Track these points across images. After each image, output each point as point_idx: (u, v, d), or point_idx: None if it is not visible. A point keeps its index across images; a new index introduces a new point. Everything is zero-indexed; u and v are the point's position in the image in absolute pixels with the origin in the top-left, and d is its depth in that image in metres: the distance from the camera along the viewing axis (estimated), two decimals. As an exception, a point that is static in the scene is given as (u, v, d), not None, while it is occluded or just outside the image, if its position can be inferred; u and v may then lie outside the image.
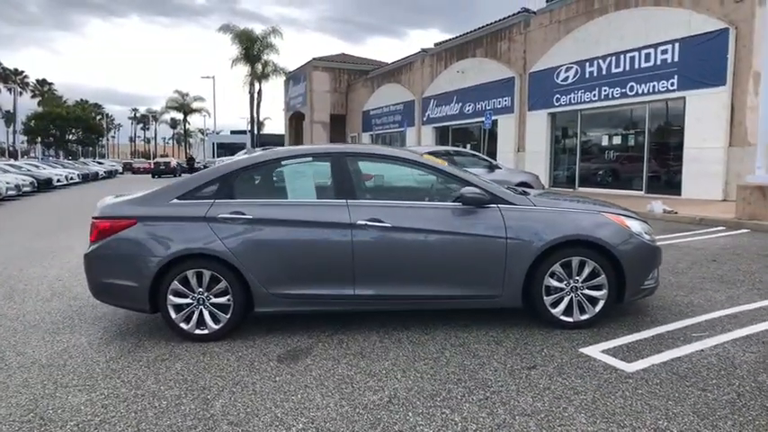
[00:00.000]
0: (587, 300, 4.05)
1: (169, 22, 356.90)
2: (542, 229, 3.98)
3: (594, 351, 3.66)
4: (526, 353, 3.65)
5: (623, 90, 15.22)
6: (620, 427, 2.68)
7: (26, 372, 3.49)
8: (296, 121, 42.24)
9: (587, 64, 16.44)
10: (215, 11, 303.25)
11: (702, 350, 3.64)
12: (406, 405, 2.95)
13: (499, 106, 20.78)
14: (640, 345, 3.75)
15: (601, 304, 4.05)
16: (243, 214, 3.93)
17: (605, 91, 15.84)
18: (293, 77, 40.41)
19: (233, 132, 56.46)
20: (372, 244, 3.94)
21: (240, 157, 4.75)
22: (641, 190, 14.91)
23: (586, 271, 4.02)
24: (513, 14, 20.41)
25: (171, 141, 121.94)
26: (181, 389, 3.20)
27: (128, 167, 54.87)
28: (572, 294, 4.05)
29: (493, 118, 21.00)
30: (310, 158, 4.38)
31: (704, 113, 12.87)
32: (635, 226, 4.16)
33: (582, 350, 3.68)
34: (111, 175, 42.39)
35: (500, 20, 21.21)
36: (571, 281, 4.03)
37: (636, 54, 14.77)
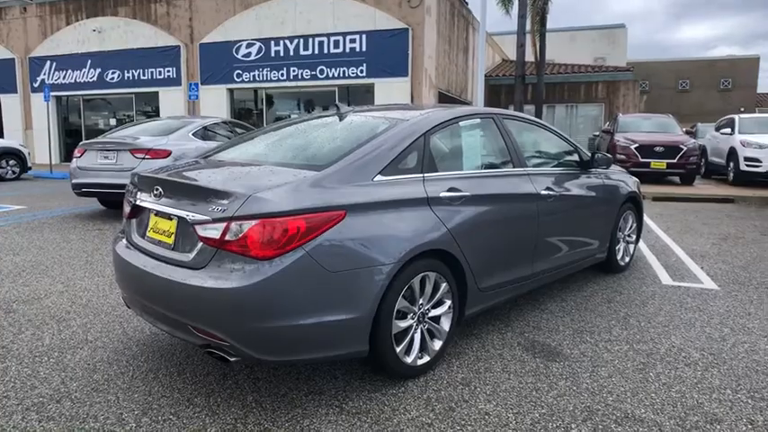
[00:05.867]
0: (627, 245, 4.91)
1: None
2: (620, 188, 4.59)
3: (669, 282, 4.58)
4: (645, 295, 4.25)
5: (313, 72, 16.25)
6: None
7: None
8: None
9: (273, 43, 16.65)
10: None
11: (702, 266, 5.07)
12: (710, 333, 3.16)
13: (161, 77, 18.55)
14: (679, 274, 4.87)
15: (633, 248, 4.99)
16: (459, 191, 2.99)
17: (294, 71, 16.50)
18: None
19: None
20: (548, 214, 3.69)
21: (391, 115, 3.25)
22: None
23: (630, 220, 4.86)
24: (166, -25, 18.41)
25: None
26: (559, 400, 2.40)
27: None
28: (624, 243, 4.82)
29: (155, 89, 18.86)
30: (478, 119, 3.56)
31: (392, 98, 15.27)
32: (635, 181, 5.24)
33: (664, 283, 4.54)
34: None
35: (147, -22, 18.73)
36: (625, 232, 4.80)
37: (325, 39, 15.98)
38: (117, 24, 19.10)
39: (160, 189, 2.63)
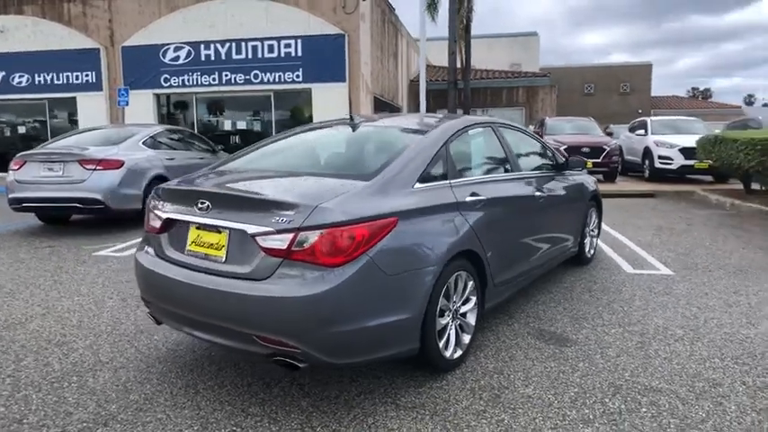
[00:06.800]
0: (591, 239, 5.40)
1: None
2: (587, 187, 5.07)
3: (632, 270, 5.12)
4: (617, 283, 4.76)
5: (247, 77, 15.97)
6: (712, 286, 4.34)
7: None
8: None
9: (203, 46, 16.17)
10: None
11: (653, 255, 5.67)
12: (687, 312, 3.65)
13: (78, 81, 17.43)
14: (638, 263, 5.42)
15: (596, 241, 5.50)
16: (479, 195, 3.25)
17: (227, 76, 16.13)
18: None
19: None
20: (539, 213, 4.06)
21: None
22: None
23: (593, 216, 5.35)
24: (81, -26, 17.33)
25: None
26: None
27: None
28: (589, 238, 5.31)
29: (71, 95, 17.71)
30: (480, 128, 3.81)
31: (330, 103, 15.33)
32: (593, 180, 5.75)
33: (628, 272, 5.07)
34: None
35: (59, -24, 17.54)
36: (590, 227, 5.29)
37: (258, 44, 15.77)
38: (23, 23, 17.71)
39: (208, 203, 2.65)
